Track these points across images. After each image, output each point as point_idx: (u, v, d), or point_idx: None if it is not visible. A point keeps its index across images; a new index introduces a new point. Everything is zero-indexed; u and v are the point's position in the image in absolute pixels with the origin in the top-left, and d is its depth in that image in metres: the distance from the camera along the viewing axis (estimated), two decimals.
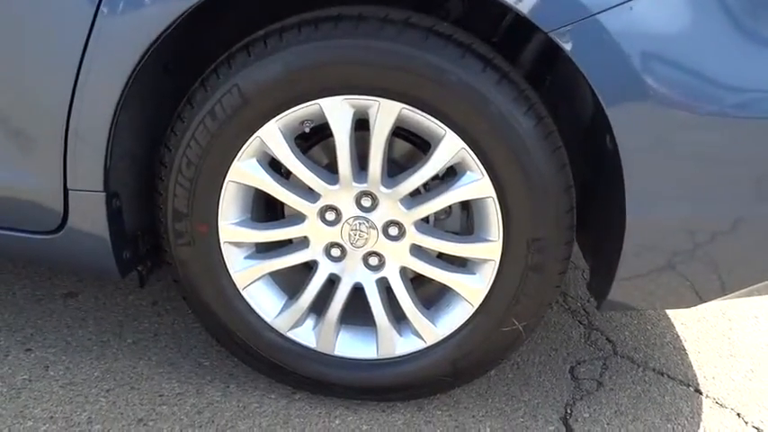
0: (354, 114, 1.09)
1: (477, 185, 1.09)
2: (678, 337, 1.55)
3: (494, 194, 1.09)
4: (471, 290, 1.16)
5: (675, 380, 1.41)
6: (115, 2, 1.02)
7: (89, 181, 1.13)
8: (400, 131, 1.19)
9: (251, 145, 1.11)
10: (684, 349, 1.51)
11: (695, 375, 1.42)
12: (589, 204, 1.21)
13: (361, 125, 1.11)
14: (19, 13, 1.06)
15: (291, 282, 1.26)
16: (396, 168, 1.18)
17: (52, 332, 1.45)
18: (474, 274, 1.16)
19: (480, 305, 1.16)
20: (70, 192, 1.14)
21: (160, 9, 1.02)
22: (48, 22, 1.06)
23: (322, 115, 1.09)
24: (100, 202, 1.14)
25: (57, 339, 1.43)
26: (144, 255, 1.28)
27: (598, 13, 0.95)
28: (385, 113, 1.07)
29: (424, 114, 1.06)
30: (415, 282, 1.25)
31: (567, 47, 0.97)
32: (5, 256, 1.49)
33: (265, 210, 1.27)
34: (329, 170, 1.17)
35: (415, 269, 1.19)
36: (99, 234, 1.17)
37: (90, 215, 1.16)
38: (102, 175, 1.12)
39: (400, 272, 1.19)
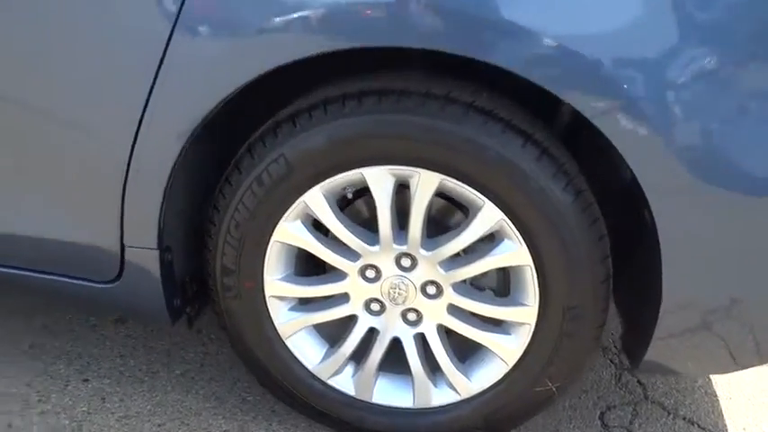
0: (395, 182, 1.13)
1: (514, 254, 1.12)
2: (709, 380, 1.56)
3: (531, 263, 1.11)
4: (506, 349, 1.20)
5: (705, 430, 1.42)
6: (175, 76, 1.06)
7: (144, 239, 1.20)
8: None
9: (296, 208, 1.16)
10: (716, 395, 1.52)
11: (726, 426, 1.44)
12: (624, 268, 1.22)
13: (402, 183, 1.14)
14: (77, 83, 1.12)
15: (332, 329, 1.31)
16: (432, 225, 1.21)
17: (106, 361, 1.54)
18: (509, 334, 1.20)
19: (515, 365, 1.20)
20: (127, 248, 1.21)
21: (220, 82, 1.06)
22: (106, 92, 1.12)
23: (364, 182, 1.13)
24: (154, 257, 1.21)
25: (111, 369, 1.52)
26: (191, 298, 1.36)
27: (638, 99, 0.96)
28: (425, 183, 1.11)
29: (464, 186, 1.09)
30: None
31: (608, 131, 0.98)
32: (67, 302, 1.58)
33: (307, 262, 1.32)
34: (369, 226, 1.21)
35: (451, 327, 1.22)
36: (152, 285, 1.24)
37: (144, 268, 1.23)
38: (157, 234, 1.19)
39: (437, 328, 1.23)
